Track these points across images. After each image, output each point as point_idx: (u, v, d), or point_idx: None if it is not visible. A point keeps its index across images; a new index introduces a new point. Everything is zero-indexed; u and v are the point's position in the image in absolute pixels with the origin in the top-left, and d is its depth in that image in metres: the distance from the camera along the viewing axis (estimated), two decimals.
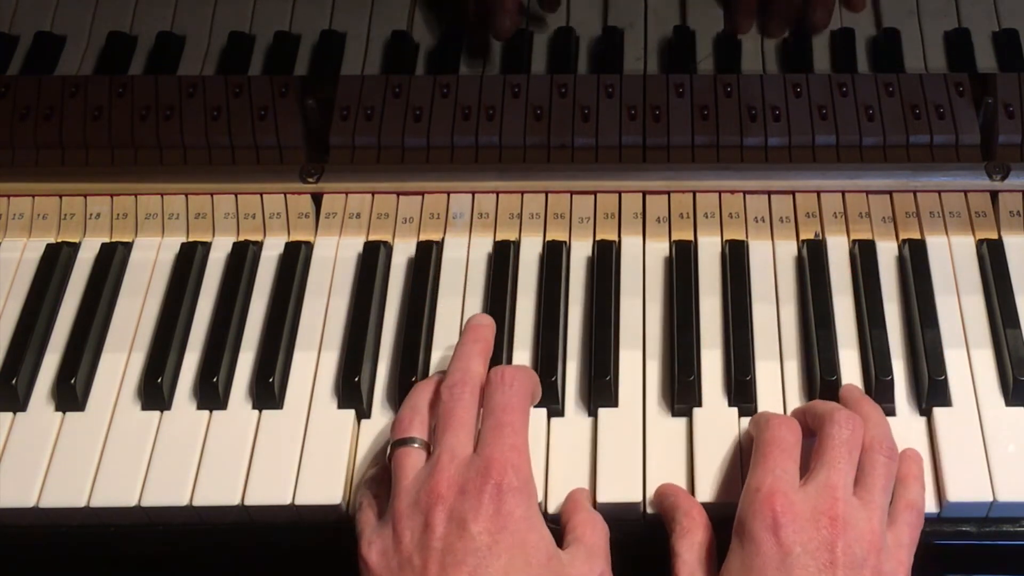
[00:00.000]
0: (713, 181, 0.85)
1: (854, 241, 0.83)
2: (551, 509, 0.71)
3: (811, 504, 0.64)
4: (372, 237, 0.84)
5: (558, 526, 0.68)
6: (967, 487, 0.70)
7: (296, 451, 0.73)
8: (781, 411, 0.74)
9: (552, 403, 0.75)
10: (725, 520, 0.69)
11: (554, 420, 0.74)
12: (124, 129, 0.88)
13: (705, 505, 0.70)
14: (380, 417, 0.76)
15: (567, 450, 0.73)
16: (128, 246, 0.85)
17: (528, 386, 0.69)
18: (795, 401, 0.75)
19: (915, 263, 0.81)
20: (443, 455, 0.65)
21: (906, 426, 0.74)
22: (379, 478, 0.70)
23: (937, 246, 0.82)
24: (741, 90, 0.87)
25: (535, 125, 0.87)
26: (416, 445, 0.67)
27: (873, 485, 0.66)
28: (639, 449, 0.73)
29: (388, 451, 0.68)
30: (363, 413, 0.76)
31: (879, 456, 0.67)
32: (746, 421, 0.74)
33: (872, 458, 0.67)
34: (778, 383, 0.76)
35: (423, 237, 0.84)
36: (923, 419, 0.74)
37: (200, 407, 0.76)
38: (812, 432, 0.70)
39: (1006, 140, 0.86)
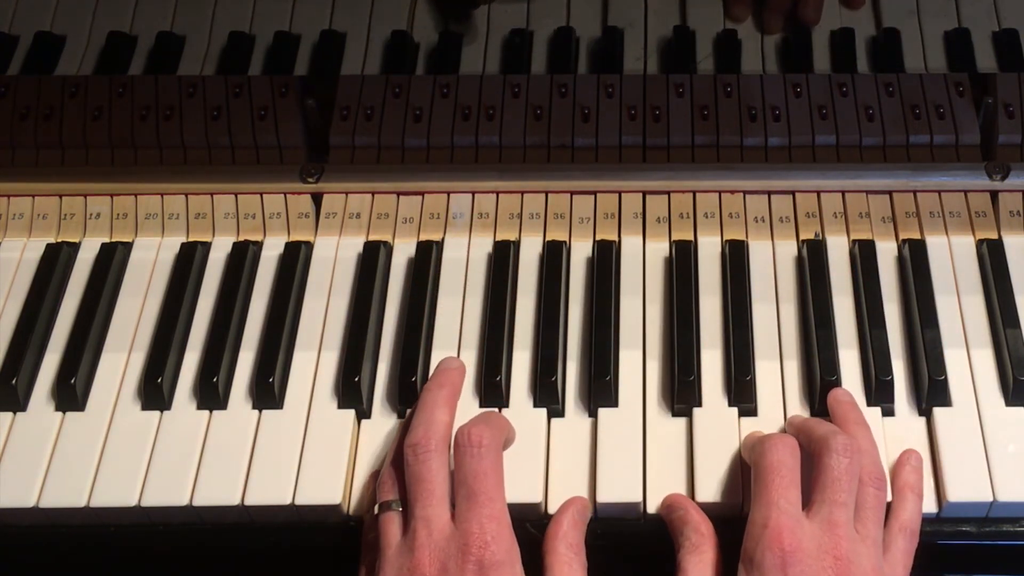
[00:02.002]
0: (713, 181, 0.85)
1: (854, 241, 0.83)
2: (551, 510, 0.71)
3: (816, 541, 0.64)
4: (372, 237, 0.84)
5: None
6: (967, 487, 0.70)
7: (296, 451, 0.73)
8: (781, 412, 0.74)
9: (552, 403, 0.75)
10: (725, 521, 0.69)
11: (554, 420, 0.74)
12: (124, 129, 0.88)
13: (704, 505, 0.70)
14: (380, 417, 0.76)
15: (567, 450, 0.73)
16: (128, 246, 0.85)
17: (497, 440, 0.68)
18: (795, 401, 0.75)
19: (915, 263, 0.81)
20: (419, 529, 0.65)
21: (906, 426, 0.74)
22: (376, 543, 0.68)
23: (937, 246, 0.82)
24: (741, 90, 0.87)
25: (535, 125, 0.87)
26: (398, 508, 0.67)
27: (867, 519, 0.66)
28: (639, 449, 0.73)
29: (375, 508, 0.68)
30: (363, 413, 0.76)
31: (870, 489, 0.67)
32: (746, 421, 0.74)
33: (864, 491, 0.67)
34: (778, 383, 0.76)
35: (423, 237, 0.84)
36: (923, 419, 0.74)
37: (200, 407, 0.76)
38: (807, 449, 0.69)
39: (1006, 140, 0.86)
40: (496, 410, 0.75)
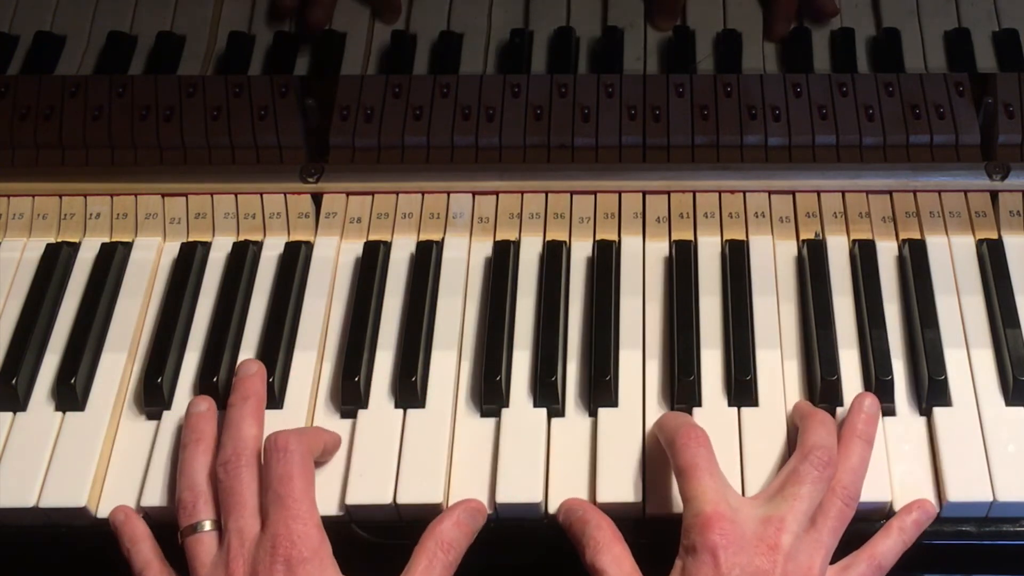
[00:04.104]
0: (713, 181, 0.85)
1: (854, 241, 0.83)
2: (552, 510, 0.71)
3: (755, 529, 0.64)
4: (372, 237, 0.84)
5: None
6: (967, 487, 0.70)
7: None
8: (781, 411, 0.74)
9: (552, 403, 0.75)
10: None
11: (554, 420, 0.74)
12: (124, 129, 0.88)
13: None
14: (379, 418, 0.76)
15: (567, 450, 0.73)
16: (128, 246, 0.85)
17: (304, 446, 0.69)
18: (796, 400, 0.75)
19: (915, 263, 0.81)
20: (232, 541, 0.66)
21: (906, 426, 0.74)
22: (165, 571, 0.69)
23: (937, 246, 0.82)
24: (741, 90, 0.87)
25: (535, 125, 0.87)
26: (207, 528, 0.68)
27: (823, 526, 0.66)
28: (639, 449, 0.73)
29: (179, 537, 0.68)
30: None
31: (837, 500, 0.67)
32: (747, 421, 0.74)
33: (830, 500, 0.67)
34: (779, 383, 0.76)
35: (423, 237, 0.84)
36: (923, 419, 0.74)
37: None
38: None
39: (1006, 140, 0.86)
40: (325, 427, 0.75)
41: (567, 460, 0.73)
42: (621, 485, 0.71)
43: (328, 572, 0.65)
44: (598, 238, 0.84)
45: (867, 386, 0.75)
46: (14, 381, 0.76)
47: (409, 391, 0.75)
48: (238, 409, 0.72)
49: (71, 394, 0.76)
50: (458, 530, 0.69)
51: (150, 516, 0.72)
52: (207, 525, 0.68)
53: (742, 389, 0.75)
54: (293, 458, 0.67)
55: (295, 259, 0.83)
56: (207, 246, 0.85)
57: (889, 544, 0.69)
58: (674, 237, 0.84)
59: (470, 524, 0.70)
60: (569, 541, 0.69)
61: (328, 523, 0.67)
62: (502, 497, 0.71)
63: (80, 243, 0.85)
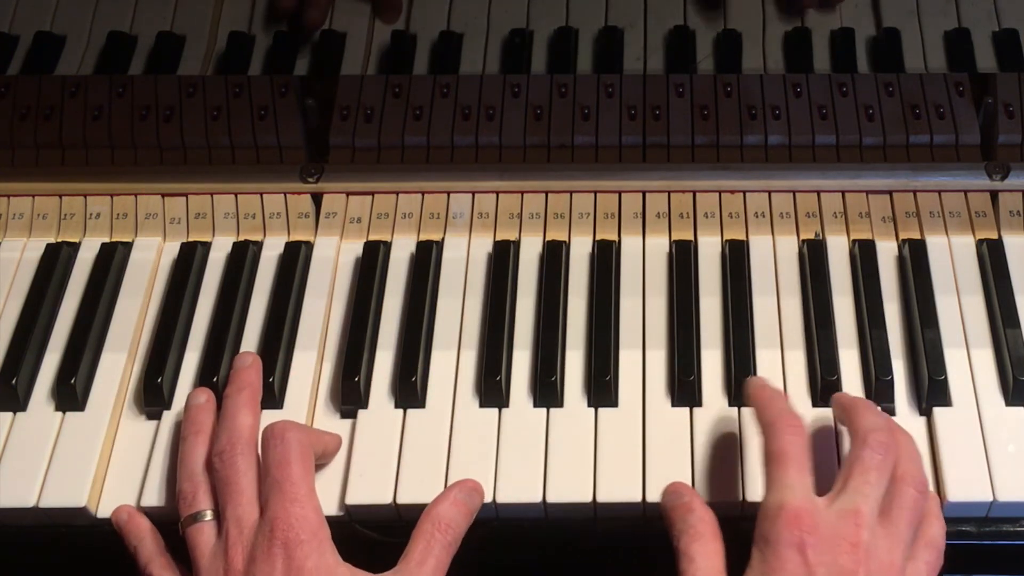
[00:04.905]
0: (713, 181, 0.85)
1: (854, 241, 0.83)
2: (550, 510, 0.71)
3: (834, 527, 0.63)
4: (372, 237, 0.84)
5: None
6: (967, 487, 0.70)
7: None
8: None
9: (552, 403, 0.75)
10: (724, 520, 0.68)
11: (554, 420, 0.74)
12: (124, 129, 0.88)
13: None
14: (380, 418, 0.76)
15: (567, 450, 0.73)
16: (128, 246, 0.85)
17: (302, 435, 0.69)
18: (795, 401, 0.75)
19: (915, 263, 0.81)
20: (231, 529, 0.66)
21: (906, 426, 0.74)
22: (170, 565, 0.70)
23: (937, 246, 0.82)
24: (741, 90, 0.87)
25: (535, 125, 0.87)
26: (207, 518, 0.68)
27: (899, 518, 0.65)
28: (639, 449, 0.73)
29: (180, 528, 0.68)
30: None
31: (910, 489, 0.66)
32: (748, 421, 0.74)
33: (903, 490, 0.66)
34: (779, 383, 0.76)
35: (423, 237, 0.84)
36: (923, 419, 0.74)
37: None
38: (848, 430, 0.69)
39: (1006, 140, 0.86)
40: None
41: (567, 460, 0.73)
42: (621, 485, 0.71)
43: (326, 555, 0.65)
44: (598, 238, 0.84)
45: (867, 386, 0.75)
46: (14, 381, 0.76)
47: (409, 391, 0.75)
48: (233, 399, 0.72)
49: (71, 394, 0.76)
50: (455, 509, 0.68)
51: (150, 516, 0.72)
52: (207, 515, 0.68)
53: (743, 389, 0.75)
54: (290, 444, 0.68)
55: (295, 259, 0.83)
56: (207, 246, 0.85)
57: (937, 527, 0.68)
58: (674, 237, 0.84)
59: (467, 504, 0.69)
60: (571, 540, 0.69)
61: (329, 523, 0.67)
62: (502, 497, 0.71)
63: (80, 243, 0.85)
